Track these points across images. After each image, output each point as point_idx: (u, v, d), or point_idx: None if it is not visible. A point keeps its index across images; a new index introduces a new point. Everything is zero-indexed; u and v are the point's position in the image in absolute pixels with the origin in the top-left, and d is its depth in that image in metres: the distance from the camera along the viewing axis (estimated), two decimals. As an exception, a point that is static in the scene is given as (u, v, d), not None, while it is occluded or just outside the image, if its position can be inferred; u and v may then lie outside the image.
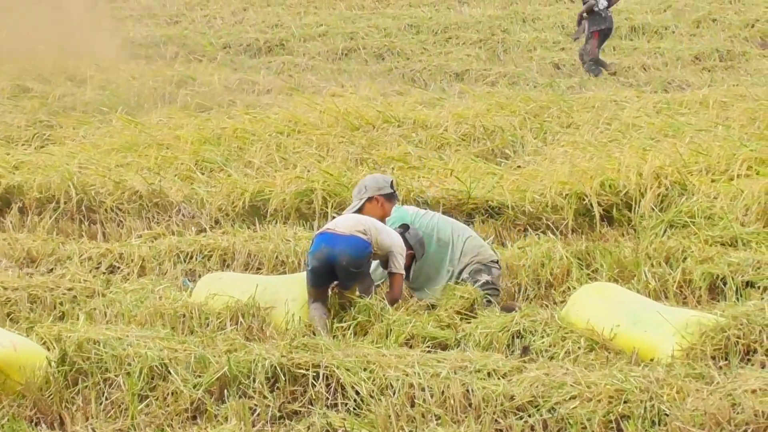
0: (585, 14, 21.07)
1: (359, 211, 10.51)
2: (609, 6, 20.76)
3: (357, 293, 10.13)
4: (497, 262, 10.55)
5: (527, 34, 22.89)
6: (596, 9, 20.51)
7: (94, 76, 18.96)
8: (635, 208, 11.81)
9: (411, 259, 10.47)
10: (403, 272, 10.22)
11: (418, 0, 28.85)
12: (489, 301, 10.15)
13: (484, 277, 10.32)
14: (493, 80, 19.10)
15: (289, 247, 11.41)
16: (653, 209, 11.69)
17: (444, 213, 12.00)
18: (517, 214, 12.04)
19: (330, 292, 10.10)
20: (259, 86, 19.06)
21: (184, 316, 9.80)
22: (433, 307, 10.09)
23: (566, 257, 10.64)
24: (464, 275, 10.38)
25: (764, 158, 12.45)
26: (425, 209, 11.24)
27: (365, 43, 22.54)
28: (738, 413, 7.52)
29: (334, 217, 11.60)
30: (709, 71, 19.61)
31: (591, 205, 11.84)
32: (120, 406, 8.30)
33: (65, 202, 12.85)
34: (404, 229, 10.49)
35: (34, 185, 12.96)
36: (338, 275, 9.98)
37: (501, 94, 17.12)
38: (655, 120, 14.80)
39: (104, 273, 11.33)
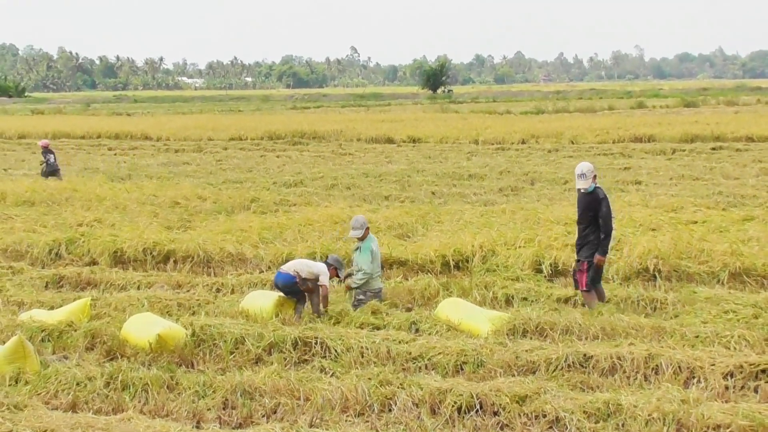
0: None
1: (363, 235, 9.92)
2: None
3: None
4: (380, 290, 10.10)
5: (422, 177, 22.48)
6: None
7: (209, 197, 18.70)
8: (471, 261, 11.62)
9: (334, 271, 9.79)
10: (327, 284, 9.51)
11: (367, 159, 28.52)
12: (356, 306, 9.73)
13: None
14: (403, 200, 18.74)
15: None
16: (480, 262, 11.55)
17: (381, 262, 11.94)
18: (413, 263, 11.82)
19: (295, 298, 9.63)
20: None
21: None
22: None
23: (436, 284, 10.53)
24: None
25: (531, 237, 12.36)
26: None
27: (341, 181, 22.06)
28: (518, 359, 7.64)
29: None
30: (506, 195, 19.45)
31: (449, 259, 11.68)
32: (221, 357, 8.23)
33: (195, 257, 12.49)
34: (326, 258, 10.09)
35: (180, 249, 12.63)
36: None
37: (405, 206, 16.87)
38: (480, 219, 14.80)
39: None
